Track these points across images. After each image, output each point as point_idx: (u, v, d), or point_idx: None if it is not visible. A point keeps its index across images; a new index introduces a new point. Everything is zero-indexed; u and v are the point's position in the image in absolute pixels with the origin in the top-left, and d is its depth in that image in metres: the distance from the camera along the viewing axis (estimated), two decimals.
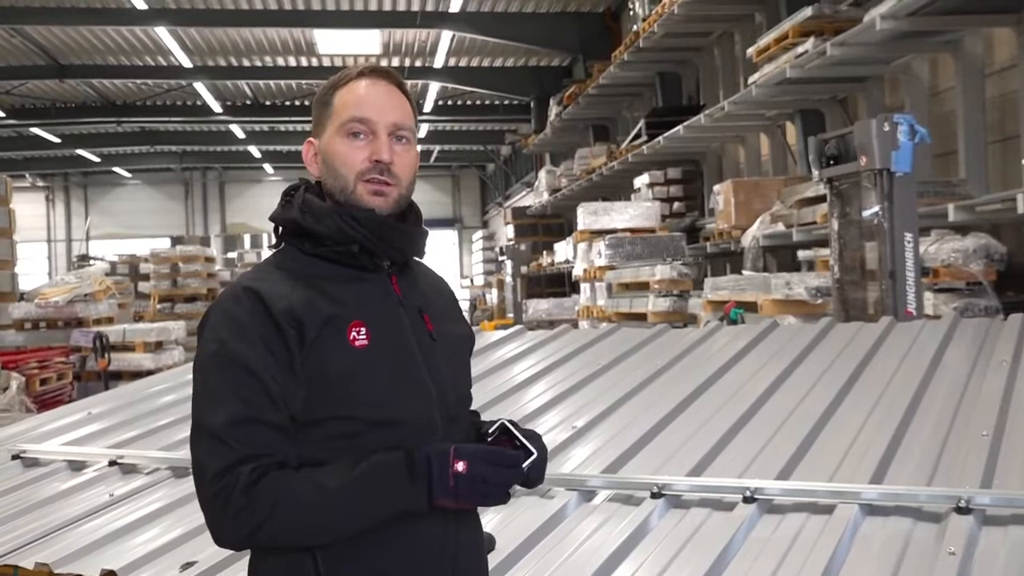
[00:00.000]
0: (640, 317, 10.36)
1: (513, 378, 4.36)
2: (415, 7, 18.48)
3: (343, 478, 1.49)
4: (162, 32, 18.63)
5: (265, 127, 28.05)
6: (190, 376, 1.64)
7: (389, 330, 1.62)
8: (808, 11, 8.84)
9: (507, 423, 1.59)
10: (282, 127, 27.13)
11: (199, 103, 24.65)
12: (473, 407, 1.89)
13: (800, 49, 9.00)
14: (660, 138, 13.47)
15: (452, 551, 1.61)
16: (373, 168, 1.63)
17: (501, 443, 1.57)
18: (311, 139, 1.71)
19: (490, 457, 1.51)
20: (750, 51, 10.32)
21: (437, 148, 31.63)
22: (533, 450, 1.55)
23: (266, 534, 1.48)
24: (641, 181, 14.99)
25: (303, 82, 23.09)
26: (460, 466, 1.48)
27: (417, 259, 1.76)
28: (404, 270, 1.71)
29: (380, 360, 1.59)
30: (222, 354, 1.55)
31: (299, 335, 1.55)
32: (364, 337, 1.58)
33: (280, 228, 1.70)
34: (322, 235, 1.63)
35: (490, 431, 1.60)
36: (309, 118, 1.74)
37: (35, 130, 26.27)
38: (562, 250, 16.23)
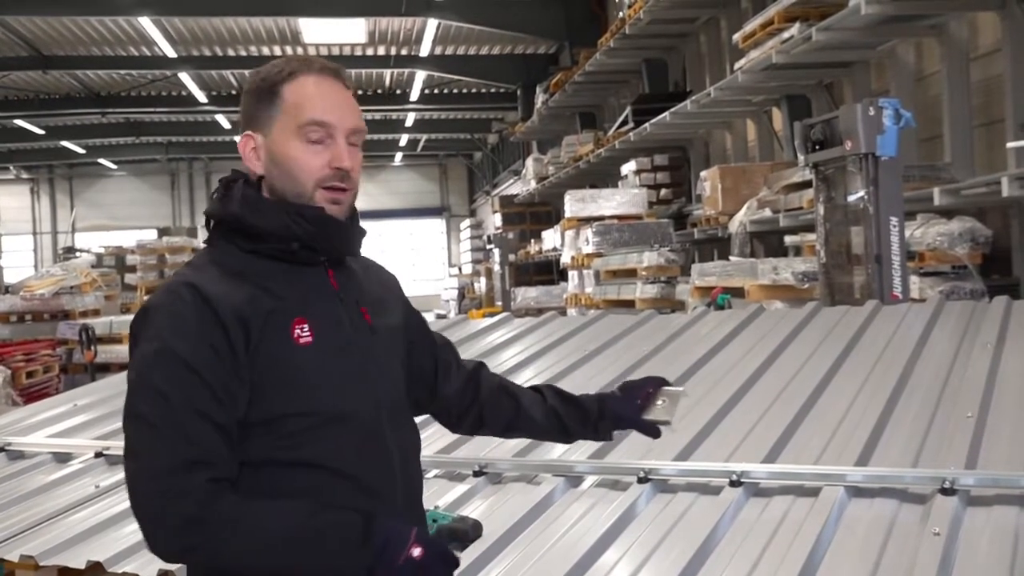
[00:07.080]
0: (628, 304, 10.37)
1: (500, 365, 4.35)
2: None
3: (296, 522, 1.46)
4: (146, 22, 18.47)
5: None
6: None
7: (330, 325, 1.61)
8: None
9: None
10: None
11: (184, 93, 24.46)
12: None
13: (786, 34, 8.99)
14: (647, 125, 13.46)
15: None
16: (333, 175, 1.61)
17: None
18: (250, 132, 1.64)
19: (442, 553, 1.49)
20: (736, 37, 10.31)
21: (424, 137, 31.53)
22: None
23: (204, 555, 1.45)
24: (628, 168, 14.98)
25: None
26: (416, 551, 1.45)
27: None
28: (339, 263, 1.69)
29: (324, 356, 1.57)
30: (166, 353, 1.49)
31: (245, 335, 1.52)
32: (308, 334, 1.57)
33: (214, 223, 1.65)
34: (263, 231, 1.59)
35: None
36: None
37: (19, 122, 26.03)
38: (550, 238, 16.21)
